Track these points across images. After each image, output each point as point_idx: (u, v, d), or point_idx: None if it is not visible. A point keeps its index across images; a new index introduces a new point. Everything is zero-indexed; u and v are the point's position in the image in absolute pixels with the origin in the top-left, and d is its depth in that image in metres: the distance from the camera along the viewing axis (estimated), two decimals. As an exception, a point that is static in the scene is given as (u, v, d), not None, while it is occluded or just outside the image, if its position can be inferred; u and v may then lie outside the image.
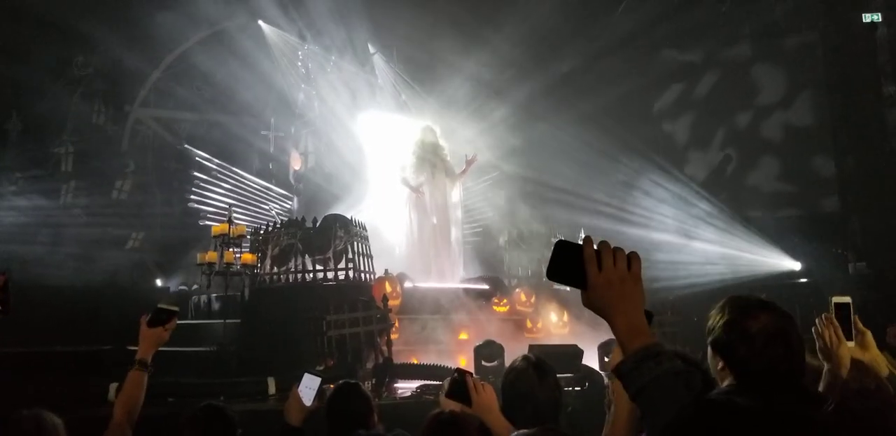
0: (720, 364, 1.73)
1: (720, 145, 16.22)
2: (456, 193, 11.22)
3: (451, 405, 2.54)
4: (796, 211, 15.22)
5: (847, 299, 2.32)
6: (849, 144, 15.26)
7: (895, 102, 14.69)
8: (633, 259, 1.44)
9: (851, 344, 2.30)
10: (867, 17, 14.36)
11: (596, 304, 1.43)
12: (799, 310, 11.73)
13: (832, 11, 14.96)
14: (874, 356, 2.34)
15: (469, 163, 11.02)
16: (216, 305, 9.80)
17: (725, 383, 1.73)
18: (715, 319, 1.78)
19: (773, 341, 1.67)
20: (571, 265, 1.44)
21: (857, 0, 14.57)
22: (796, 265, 14.21)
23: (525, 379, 2.51)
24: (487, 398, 2.34)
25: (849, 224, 14.58)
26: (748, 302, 1.76)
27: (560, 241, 1.48)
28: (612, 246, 1.44)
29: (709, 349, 1.77)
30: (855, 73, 15.15)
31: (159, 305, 2.75)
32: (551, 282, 9.95)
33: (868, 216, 14.21)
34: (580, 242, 1.45)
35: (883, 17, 14.31)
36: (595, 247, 1.43)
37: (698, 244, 14.56)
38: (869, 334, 2.33)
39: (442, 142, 11.13)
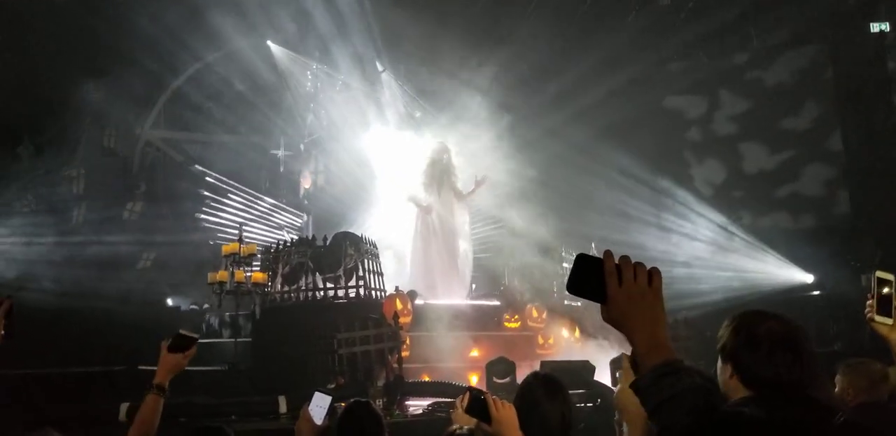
0: (729, 372, 1.71)
1: (732, 158, 16.19)
2: (464, 212, 11.20)
3: (465, 422, 2.53)
4: (808, 223, 15.14)
5: (891, 276, 2.30)
6: (859, 153, 15.21)
7: (905, 113, 14.65)
8: (654, 274, 1.42)
9: (889, 321, 2.28)
10: (875, 27, 14.37)
11: (615, 318, 1.42)
12: (814, 322, 11.68)
13: (840, 21, 14.97)
14: None
15: (478, 184, 11.00)
16: (227, 325, 9.81)
17: (738, 395, 1.72)
18: (725, 328, 1.77)
19: (779, 347, 1.66)
20: (591, 279, 1.43)
21: (865, 9, 14.57)
22: (809, 278, 14.10)
23: (535, 396, 2.50)
24: (508, 416, 2.33)
25: (861, 235, 14.47)
26: (758, 311, 1.77)
27: (581, 254, 1.46)
28: (632, 261, 1.43)
29: (719, 357, 1.76)
30: (864, 83, 15.14)
31: (181, 332, 2.77)
32: (562, 298, 9.91)
33: (880, 226, 14.10)
34: (601, 256, 1.44)
35: (891, 25, 14.31)
36: (616, 261, 1.42)
37: (710, 258, 14.49)
38: None
39: (455, 159, 11.11)
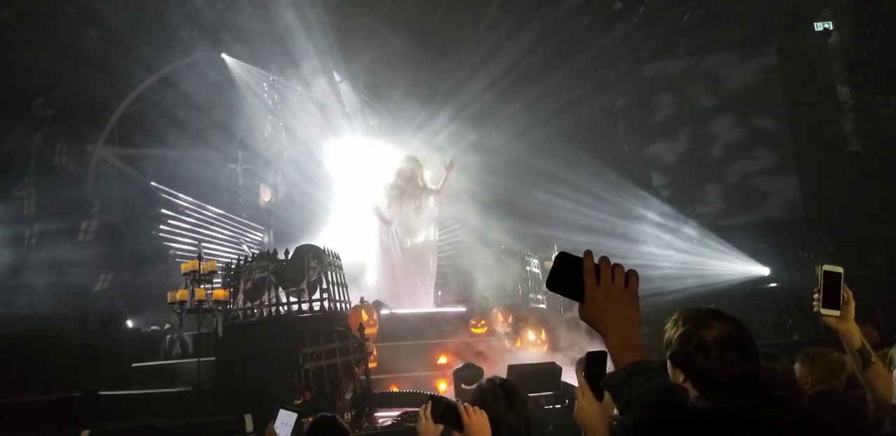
0: (681, 377, 1.74)
1: (684, 157, 16.51)
2: (431, 220, 11.06)
3: (430, 432, 2.52)
4: (762, 217, 15.50)
5: (839, 269, 2.35)
6: (808, 149, 15.66)
7: (851, 108, 15.13)
8: (631, 276, 1.46)
9: (837, 313, 2.34)
10: (819, 26, 14.82)
11: (591, 317, 1.45)
12: (770, 314, 11.95)
13: (785, 21, 15.42)
14: (849, 327, 2.40)
15: (448, 169, 10.72)
16: (190, 344, 9.62)
17: (692, 394, 1.75)
18: (670, 332, 1.81)
19: (728, 348, 1.71)
20: (571, 277, 1.45)
21: (809, 9, 15.04)
22: (765, 271, 14.43)
23: (493, 402, 2.51)
24: (480, 422, 2.33)
25: (813, 228, 14.88)
26: (699, 312, 1.80)
27: (561, 252, 1.50)
28: (611, 262, 1.46)
29: (668, 363, 1.79)
30: (811, 81, 15.61)
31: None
32: (528, 301, 9.95)
33: (832, 220, 14.52)
34: (580, 256, 1.47)
35: (834, 25, 14.78)
36: (595, 261, 1.45)
37: (668, 253, 14.73)
38: (852, 305, 2.38)
39: (423, 170, 10.94)
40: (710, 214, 15.61)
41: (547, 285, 1.51)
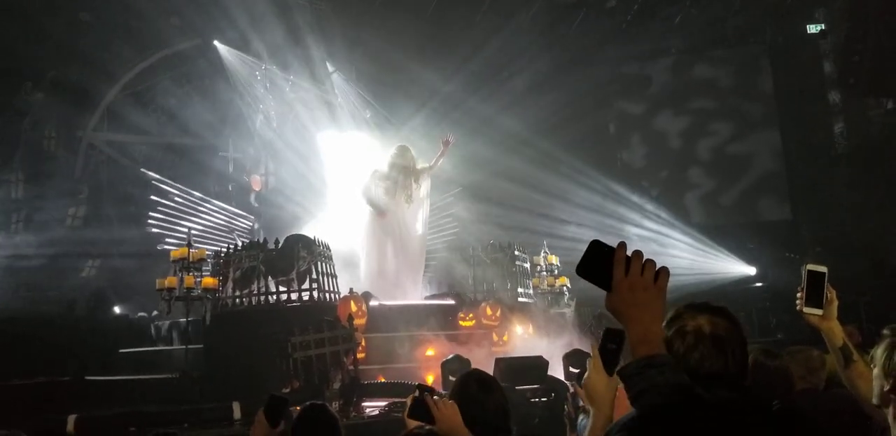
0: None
1: (673, 158, 16.60)
2: (421, 212, 11.03)
3: (416, 424, 2.55)
4: (749, 218, 15.64)
5: (823, 269, 2.39)
6: (797, 150, 15.79)
7: (840, 110, 15.26)
8: (661, 273, 1.48)
9: (819, 311, 2.38)
10: (812, 28, 14.94)
11: (616, 306, 1.47)
12: (755, 313, 12.09)
13: (778, 23, 15.51)
14: (831, 326, 2.44)
15: (446, 145, 10.67)
16: (178, 332, 9.62)
17: None
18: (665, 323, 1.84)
19: (705, 340, 1.73)
20: (601, 266, 1.47)
21: (802, 11, 15.14)
22: (751, 270, 14.58)
23: (470, 396, 2.54)
24: (450, 414, 2.35)
25: (800, 228, 15.03)
26: (692, 305, 1.83)
27: (595, 240, 1.51)
28: (644, 257, 1.48)
29: None
30: (801, 83, 15.72)
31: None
32: (516, 295, 9.95)
33: (818, 220, 14.67)
34: (614, 246, 1.49)
35: (827, 27, 14.90)
36: (627, 253, 1.47)
37: (658, 252, 14.83)
38: (835, 304, 2.43)
39: (416, 160, 10.92)
40: (700, 214, 15.73)
41: (577, 271, 1.51)
